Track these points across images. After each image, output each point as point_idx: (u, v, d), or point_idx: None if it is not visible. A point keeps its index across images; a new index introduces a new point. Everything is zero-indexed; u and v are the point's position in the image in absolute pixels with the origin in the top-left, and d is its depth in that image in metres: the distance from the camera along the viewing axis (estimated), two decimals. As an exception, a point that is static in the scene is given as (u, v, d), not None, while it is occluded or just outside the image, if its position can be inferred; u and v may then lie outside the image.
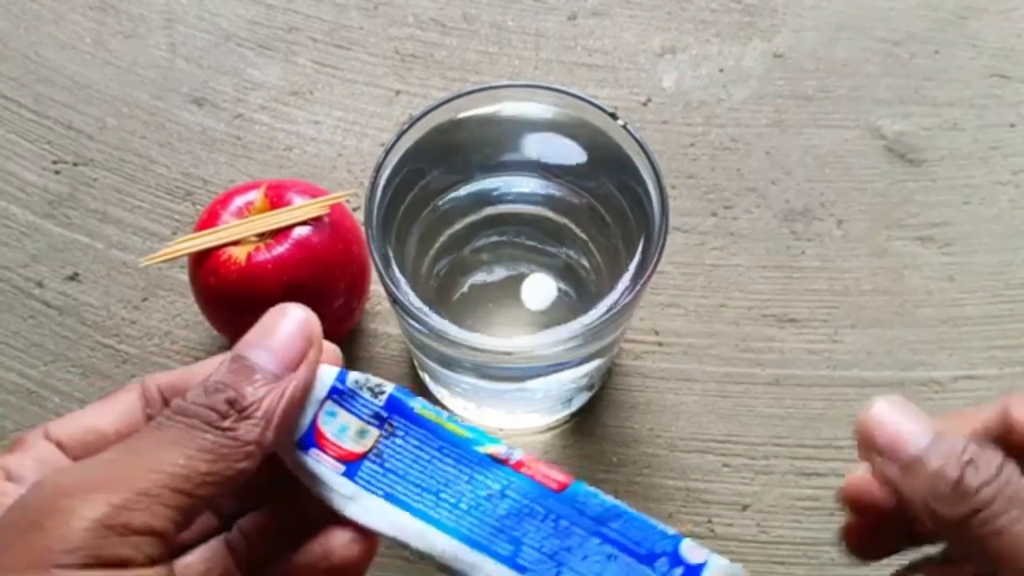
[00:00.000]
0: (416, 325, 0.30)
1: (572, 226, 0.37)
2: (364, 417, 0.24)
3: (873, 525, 0.26)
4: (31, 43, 0.50)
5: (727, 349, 0.42)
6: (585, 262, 0.37)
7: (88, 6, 0.51)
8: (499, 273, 0.38)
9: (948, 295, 0.43)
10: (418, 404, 0.25)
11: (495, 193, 0.36)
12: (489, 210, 0.37)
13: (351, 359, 0.42)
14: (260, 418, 0.22)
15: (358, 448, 0.24)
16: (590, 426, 0.41)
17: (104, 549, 0.19)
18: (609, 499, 0.24)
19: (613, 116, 0.32)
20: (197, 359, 0.42)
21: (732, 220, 0.45)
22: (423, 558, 0.24)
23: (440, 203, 0.36)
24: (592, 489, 0.24)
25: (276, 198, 0.37)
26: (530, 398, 0.38)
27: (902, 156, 0.46)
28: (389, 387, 0.25)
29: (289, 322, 0.24)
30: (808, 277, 0.44)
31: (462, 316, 0.36)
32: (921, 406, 0.42)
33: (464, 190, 0.36)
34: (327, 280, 0.37)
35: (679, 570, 0.23)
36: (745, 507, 0.40)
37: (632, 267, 0.32)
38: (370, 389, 0.25)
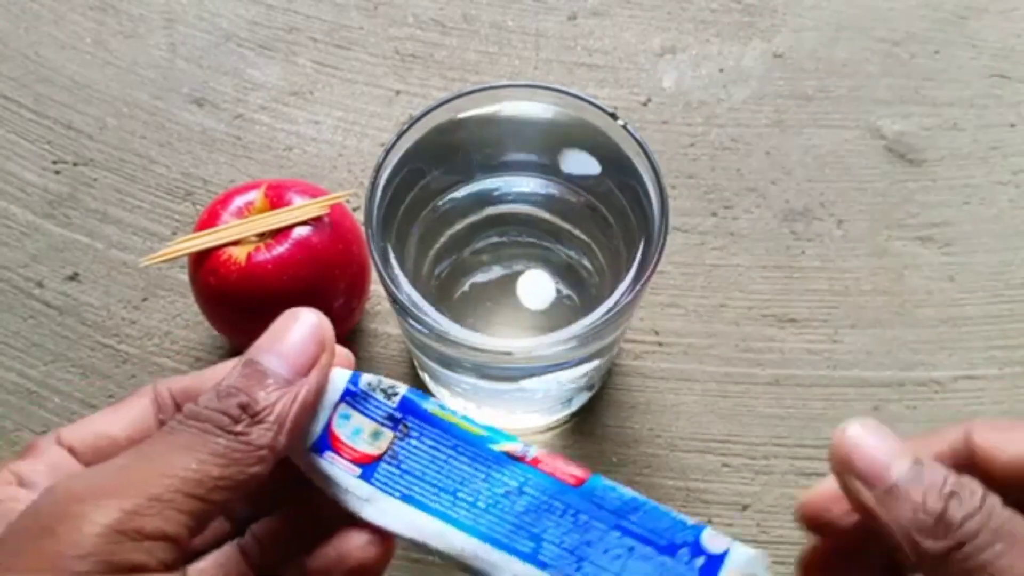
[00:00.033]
0: (416, 325, 0.30)
1: (572, 226, 0.37)
2: (378, 419, 0.24)
3: (841, 551, 0.25)
4: (31, 43, 0.50)
5: (727, 349, 0.42)
6: (585, 262, 0.37)
7: (88, 6, 0.51)
8: (499, 273, 0.38)
9: (948, 295, 0.43)
10: (432, 404, 0.25)
11: (495, 193, 0.36)
12: (489, 210, 0.37)
13: (351, 359, 0.42)
14: (272, 422, 0.22)
15: (373, 450, 0.24)
16: (590, 426, 0.41)
17: (117, 555, 0.19)
18: (628, 491, 0.24)
19: (613, 116, 0.32)
20: (197, 359, 0.42)
21: (732, 220, 0.45)
22: (443, 558, 0.24)
23: (440, 203, 0.36)
24: (610, 482, 0.24)
25: (276, 198, 0.37)
26: (530, 398, 0.38)
27: (902, 156, 0.46)
28: (402, 388, 0.25)
29: (301, 327, 0.24)
30: (808, 277, 0.44)
31: (462, 316, 0.36)
32: (921, 406, 0.42)
33: (464, 190, 0.36)
34: (327, 280, 0.37)
35: (701, 559, 0.23)
36: (745, 507, 0.40)
37: (632, 267, 0.32)
38: (383, 391, 0.25)
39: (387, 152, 0.32)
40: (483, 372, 0.34)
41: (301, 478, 0.24)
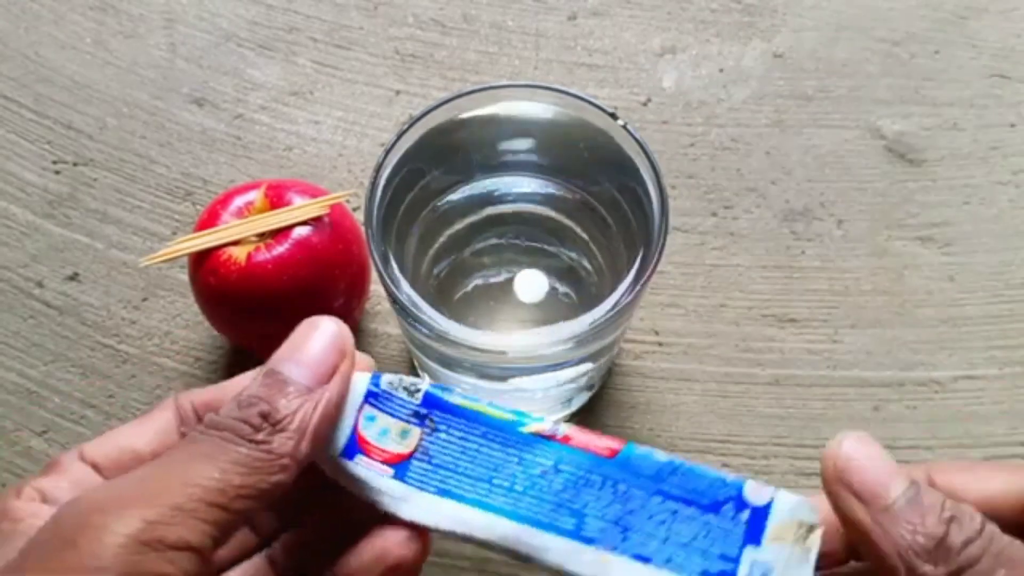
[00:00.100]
0: (416, 325, 0.30)
1: (572, 226, 0.37)
2: (403, 417, 0.24)
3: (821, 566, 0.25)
4: (31, 43, 0.50)
5: (727, 349, 0.42)
6: (585, 262, 0.37)
7: (88, 6, 0.51)
8: (499, 273, 0.38)
9: (948, 295, 0.43)
10: (456, 396, 0.24)
11: (495, 193, 0.36)
12: (489, 210, 0.37)
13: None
14: (294, 431, 0.22)
15: (403, 449, 0.24)
16: (590, 426, 0.41)
17: (139, 566, 0.19)
18: (663, 455, 0.24)
19: (613, 116, 0.32)
20: (197, 359, 0.42)
21: (732, 220, 0.45)
22: (487, 547, 0.23)
23: (440, 203, 0.36)
24: (644, 448, 0.24)
25: (276, 198, 0.37)
26: (530, 398, 0.38)
27: (902, 156, 0.46)
28: (424, 384, 0.25)
29: (321, 335, 0.24)
30: (808, 277, 0.44)
31: (462, 316, 0.36)
32: (921, 406, 0.42)
33: (464, 190, 0.36)
34: (327, 280, 0.37)
35: (746, 513, 0.23)
36: (745, 507, 0.40)
37: (632, 267, 0.32)
38: (405, 388, 0.25)
39: (387, 152, 0.32)
40: (483, 372, 0.34)
41: (326, 485, 0.24)
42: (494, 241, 0.37)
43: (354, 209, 0.43)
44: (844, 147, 0.47)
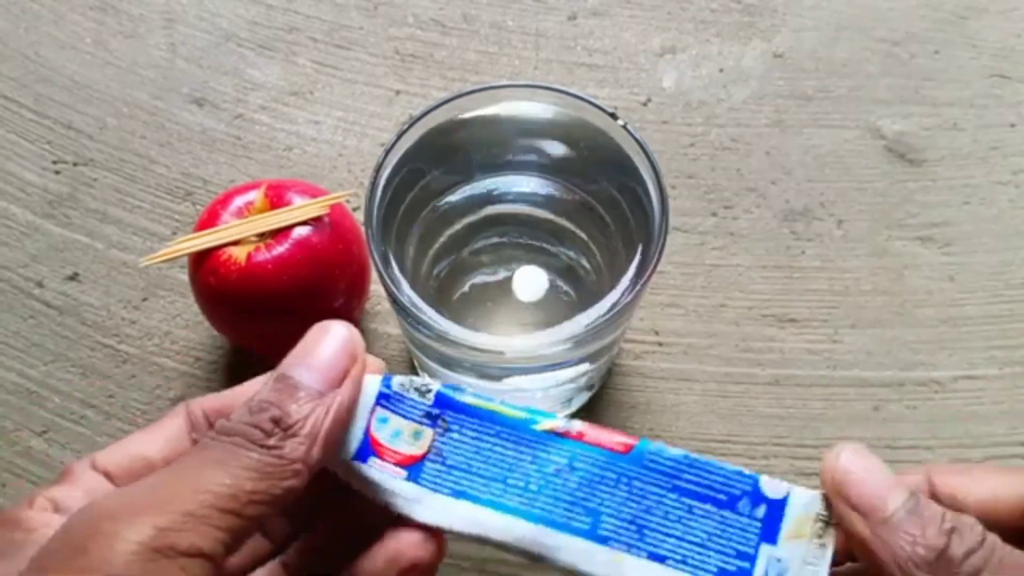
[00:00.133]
0: (416, 325, 0.30)
1: (572, 226, 0.37)
2: (416, 418, 0.24)
3: None
4: (31, 43, 0.50)
5: (727, 349, 0.42)
6: (585, 262, 0.37)
7: (88, 6, 0.51)
8: (499, 273, 0.38)
9: (948, 295, 0.43)
10: (468, 395, 0.24)
11: (495, 193, 0.36)
12: (489, 210, 0.37)
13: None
14: (306, 436, 0.22)
15: (416, 450, 0.24)
16: (590, 426, 0.41)
17: (151, 572, 0.19)
18: (677, 451, 0.23)
19: (613, 116, 0.32)
20: (197, 359, 0.42)
21: (732, 220, 0.45)
22: (504, 548, 0.23)
23: (440, 203, 0.36)
24: (658, 444, 0.23)
25: (276, 198, 0.37)
26: (530, 398, 0.38)
27: (902, 156, 0.46)
28: (435, 385, 0.25)
29: (332, 339, 0.24)
30: (808, 277, 0.44)
31: (462, 316, 0.36)
32: (921, 406, 0.42)
33: (464, 190, 0.36)
34: (327, 280, 0.37)
35: (762, 508, 0.23)
36: (745, 507, 0.40)
37: (632, 267, 0.32)
38: (416, 389, 0.24)
39: (387, 152, 0.32)
40: (483, 372, 0.34)
41: (338, 489, 0.24)
42: (494, 240, 0.37)
43: (354, 209, 0.43)
44: (844, 147, 0.47)
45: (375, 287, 0.42)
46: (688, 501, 0.23)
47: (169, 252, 0.37)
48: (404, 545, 0.23)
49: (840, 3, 0.50)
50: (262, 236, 0.37)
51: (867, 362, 0.42)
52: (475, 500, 0.24)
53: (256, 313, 0.37)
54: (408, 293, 0.32)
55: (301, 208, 0.37)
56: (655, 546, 0.23)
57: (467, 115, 0.34)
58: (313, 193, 0.38)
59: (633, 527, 0.23)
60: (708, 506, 0.23)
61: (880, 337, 0.42)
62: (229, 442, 0.22)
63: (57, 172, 0.46)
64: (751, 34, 0.50)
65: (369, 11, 0.50)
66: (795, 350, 0.42)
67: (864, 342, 0.42)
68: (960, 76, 0.48)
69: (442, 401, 0.24)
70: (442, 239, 0.36)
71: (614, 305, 0.31)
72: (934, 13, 0.50)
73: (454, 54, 0.49)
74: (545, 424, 0.24)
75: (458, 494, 0.24)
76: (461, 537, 0.23)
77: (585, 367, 0.35)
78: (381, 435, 0.24)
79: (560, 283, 0.37)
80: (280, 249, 0.36)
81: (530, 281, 0.37)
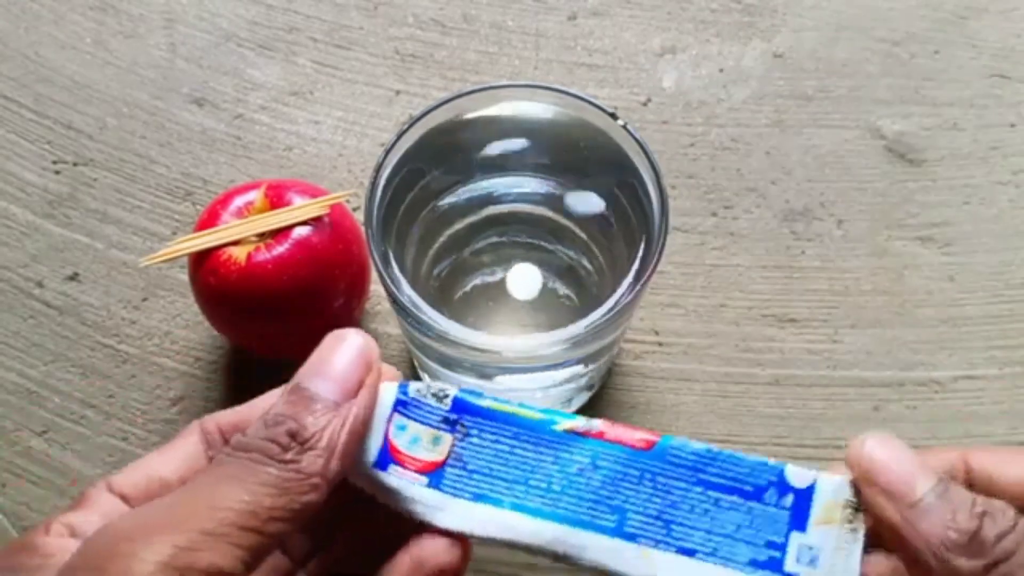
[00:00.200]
0: (416, 325, 0.30)
1: (571, 226, 0.37)
2: (434, 424, 0.24)
3: None
4: (31, 43, 0.50)
5: (727, 349, 0.42)
6: (585, 262, 0.37)
7: (88, 6, 0.51)
8: (499, 273, 0.38)
9: (948, 295, 0.43)
10: (485, 399, 0.24)
11: (495, 193, 0.36)
12: (489, 210, 0.37)
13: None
14: (323, 448, 0.22)
15: (436, 456, 0.24)
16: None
17: None
18: (700, 445, 0.23)
19: (613, 116, 0.32)
20: (197, 359, 0.42)
21: (732, 220, 0.45)
22: (530, 551, 0.23)
23: (440, 203, 0.36)
24: (680, 439, 0.23)
25: (276, 198, 0.37)
26: (529, 398, 0.38)
27: (902, 156, 0.46)
28: (452, 389, 0.24)
29: (347, 349, 0.24)
30: (808, 277, 0.44)
31: (463, 316, 0.36)
32: (921, 406, 0.42)
33: (464, 190, 0.36)
34: (327, 280, 0.37)
35: (789, 497, 0.23)
36: (745, 507, 0.40)
37: (632, 267, 0.32)
38: (434, 395, 0.24)
39: (387, 152, 0.32)
40: (483, 372, 0.34)
41: (358, 499, 0.24)
42: (494, 240, 0.37)
43: (354, 209, 0.43)
44: (844, 147, 0.47)
45: (375, 287, 0.42)
46: (714, 494, 0.23)
47: (169, 252, 0.37)
48: (428, 552, 0.23)
49: (840, 3, 0.50)
50: (262, 236, 0.37)
51: (867, 362, 0.42)
52: (498, 503, 0.23)
53: (256, 313, 0.37)
54: (408, 293, 0.32)
55: (301, 208, 0.37)
56: (683, 540, 0.23)
57: (467, 115, 0.34)
58: (313, 193, 0.38)
59: (660, 522, 0.23)
60: (735, 498, 0.23)
61: (880, 337, 0.42)
62: (246, 458, 0.21)
63: (57, 172, 0.46)
64: (751, 34, 0.50)
65: (369, 11, 0.50)
66: (795, 350, 0.42)
67: (864, 342, 0.42)
68: (960, 76, 0.48)
69: (460, 406, 0.24)
70: (442, 239, 0.36)
71: (614, 305, 0.31)
72: (934, 13, 0.50)
73: (454, 54, 0.49)
74: (565, 424, 0.24)
75: (480, 498, 0.23)
76: (485, 542, 0.23)
77: (585, 367, 0.35)
78: (400, 442, 0.24)
79: (560, 283, 0.37)
80: (280, 249, 0.36)
81: (525, 279, 0.37)
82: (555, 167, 0.36)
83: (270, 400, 0.24)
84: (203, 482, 0.21)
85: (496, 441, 0.24)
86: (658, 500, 0.23)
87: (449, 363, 0.34)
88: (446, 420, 0.24)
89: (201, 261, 0.37)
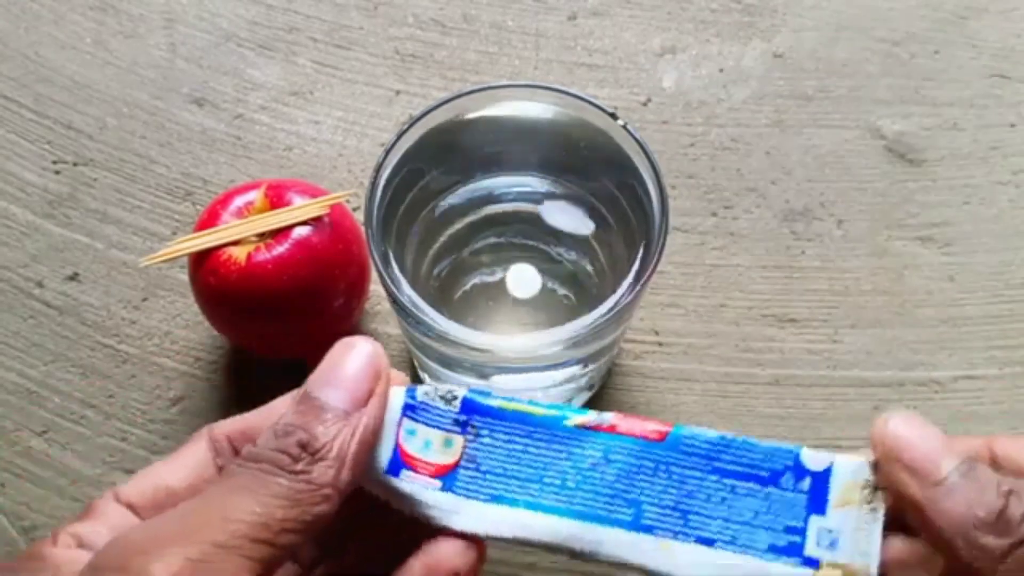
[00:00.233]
0: (416, 325, 0.30)
1: (572, 226, 0.37)
2: (444, 427, 0.24)
3: None
4: (31, 43, 0.50)
5: (727, 349, 0.42)
6: (585, 262, 0.37)
7: (88, 6, 0.51)
8: (499, 273, 0.38)
9: (948, 295, 0.43)
10: (494, 399, 0.24)
11: (495, 193, 0.36)
12: (489, 210, 0.37)
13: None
14: (334, 459, 0.22)
15: (448, 459, 0.24)
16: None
17: None
18: (713, 433, 0.23)
19: (613, 116, 0.32)
20: (197, 359, 0.42)
21: (732, 220, 0.45)
22: (548, 549, 0.23)
23: (440, 203, 0.36)
24: (693, 429, 0.23)
25: (276, 198, 0.37)
26: (531, 398, 0.38)
27: (902, 156, 0.46)
28: (461, 391, 0.24)
29: (356, 357, 0.24)
30: (808, 277, 0.44)
31: (462, 316, 0.36)
32: (921, 406, 0.42)
33: (464, 190, 0.36)
34: (327, 280, 0.37)
35: (806, 481, 0.23)
36: (745, 507, 0.40)
37: (632, 267, 0.32)
38: (442, 397, 0.24)
39: (387, 152, 0.32)
40: (483, 372, 0.34)
41: (373, 508, 0.24)
42: (494, 240, 0.37)
43: (354, 209, 0.43)
44: (844, 147, 0.47)
45: (375, 287, 0.42)
46: (730, 481, 0.23)
47: (169, 252, 0.37)
48: (442, 555, 0.23)
49: (840, 3, 0.50)
50: (262, 236, 0.37)
51: (867, 362, 0.42)
52: (513, 503, 0.23)
53: (256, 313, 0.37)
54: (408, 293, 0.32)
55: (301, 208, 0.37)
56: (701, 529, 0.23)
57: (467, 115, 0.34)
58: (313, 193, 0.38)
59: (677, 513, 0.23)
60: (751, 484, 0.23)
61: (880, 337, 0.42)
62: (256, 468, 0.21)
63: (57, 172, 0.46)
64: (751, 34, 0.50)
65: (369, 11, 0.50)
66: (795, 350, 0.42)
67: (864, 342, 0.42)
68: (960, 76, 0.48)
69: (469, 406, 0.24)
70: (442, 239, 0.36)
71: (614, 305, 0.31)
72: (934, 13, 0.50)
73: (454, 54, 0.49)
74: (576, 419, 0.24)
75: (495, 499, 0.23)
76: (501, 542, 0.23)
77: (585, 367, 0.35)
78: (411, 447, 0.24)
79: (560, 283, 0.37)
80: (280, 249, 0.36)
81: (524, 278, 0.37)
82: (555, 167, 0.36)
83: (278, 406, 0.24)
84: (215, 493, 0.21)
85: (508, 440, 0.24)
86: (674, 491, 0.23)
87: (449, 363, 0.34)
88: (456, 422, 0.24)
89: (201, 261, 0.37)
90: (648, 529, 0.23)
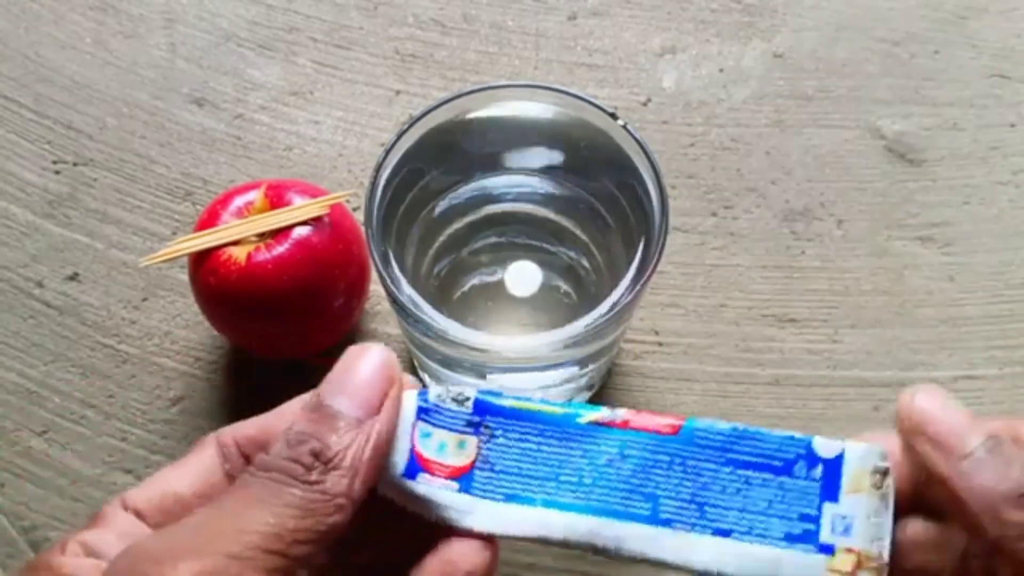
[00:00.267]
0: (416, 325, 0.30)
1: (572, 226, 0.37)
2: (458, 428, 0.24)
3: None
4: (31, 43, 0.50)
5: (727, 349, 0.42)
6: (585, 262, 0.37)
7: (88, 6, 0.51)
8: (499, 273, 0.38)
9: (948, 295, 0.43)
10: (506, 398, 0.24)
11: (495, 193, 0.36)
12: (489, 210, 0.37)
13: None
14: (347, 468, 0.21)
15: (464, 460, 0.24)
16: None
17: None
18: (725, 425, 0.23)
19: (613, 116, 0.32)
20: (197, 359, 0.42)
21: (732, 220, 0.45)
22: (565, 546, 0.23)
23: (440, 203, 0.36)
24: (705, 421, 0.23)
25: (276, 198, 0.37)
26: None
27: (902, 156, 0.46)
28: (472, 392, 0.24)
29: (368, 363, 0.23)
30: (808, 277, 0.44)
31: (462, 316, 0.36)
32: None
33: (464, 190, 0.36)
34: (327, 280, 0.37)
35: (819, 468, 0.23)
36: (745, 507, 0.40)
37: (632, 267, 0.32)
38: (454, 399, 0.24)
39: (387, 152, 0.32)
40: (482, 372, 0.34)
41: (387, 514, 0.24)
42: (494, 240, 0.37)
43: (354, 209, 0.43)
44: (844, 147, 0.47)
45: (375, 287, 0.42)
46: (744, 472, 0.23)
47: (169, 252, 0.37)
48: (456, 555, 0.23)
49: (840, 3, 0.50)
50: (262, 236, 0.37)
51: (867, 362, 0.42)
52: (530, 502, 0.23)
53: (256, 313, 0.37)
54: (408, 292, 0.32)
55: (301, 208, 0.37)
56: (718, 521, 0.23)
57: (467, 115, 0.34)
58: (313, 193, 0.38)
59: (693, 506, 0.23)
60: (765, 474, 0.23)
61: (880, 337, 0.42)
62: (269, 478, 0.21)
63: (57, 172, 0.46)
64: (751, 34, 0.50)
65: (369, 11, 0.50)
66: (795, 350, 0.42)
67: (864, 342, 0.42)
68: (960, 76, 0.48)
69: (481, 407, 0.24)
70: (442, 239, 0.36)
71: (614, 305, 0.31)
72: (934, 13, 0.50)
73: (454, 54, 0.49)
74: (589, 416, 0.24)
75: (512, 498, 0.23)
76: (520, 541, 0.23)
77: (585, 367, 0.35)
78: (426, 450, 0.24)
79: (560, 283, 0.37)
80: (280, 249, 0.36)
81: (523, 275, 0.37)
82: (555, 167, 0.36)
83: (286, 411, 0.24)
84: (228, 504, 0.21)
85: (522, 440, 0.24)
86: (689, 484, 0.23)
87: (449, 363, 0.34)
88: (470, 423, 0.24)
89: (201, 261, 0.37)
90: (666, 523, 0.23)
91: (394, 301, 0.31)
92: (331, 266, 0.37)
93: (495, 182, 0.36)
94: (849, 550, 0.22)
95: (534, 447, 0.24)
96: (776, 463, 0.23)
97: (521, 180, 0.36)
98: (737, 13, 0.50)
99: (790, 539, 0.23)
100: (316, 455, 0.21)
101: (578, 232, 0.36)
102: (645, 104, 0.48)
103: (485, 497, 0.23)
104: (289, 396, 0.25)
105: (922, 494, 0.23)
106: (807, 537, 0.23)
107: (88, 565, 0.21)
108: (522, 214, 0.37)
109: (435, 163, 0.35)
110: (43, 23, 0.50)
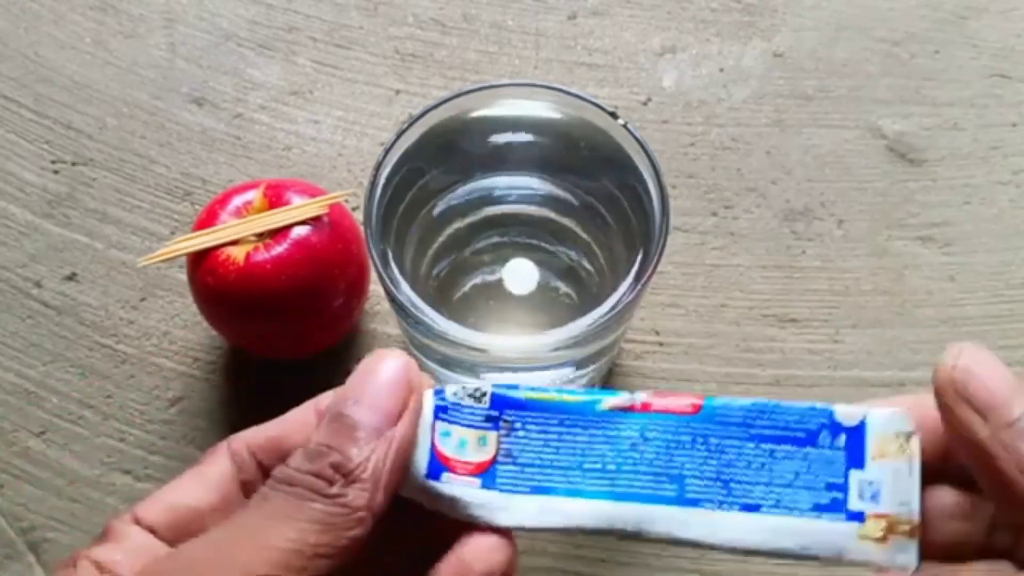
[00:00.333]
0: (416, 325, 0.30)
1: (572, 226, 0.37)
2: (477, 424, 0.24)
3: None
4: (31, 43, 0.50)
5: (727, 349, 0.42)
6: (585, 262, 0.37)
7: (88, 6, 0.50)
8: (499, 273, 0.37)
9: (948, 295, 0.43)
10: (523, 391, 0.24)
11: (495, 193, 0.36)
12: (489, 210, 0.37)
13: (350, 360, 0.42)
14: (368, 480, 0.21)
15: (485, 456, 0.24)
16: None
17: None
18: (745, 400, 0.23)
19: (613, 116, 0.32)
20: (196, 359, 0.42)
21: (732, 220, 0.45)
22: (595, 534, 0.23)
23: (439, 203, 0.36)
24: (725, 398, 0.23)
25: (275, 198, 0.37)
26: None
27: (902, 156, 0.46)
28: (488, 387, 0.24)
29: (387, 371, 0.23)
30: (808, 277, 0.44)
31: (462, 316, 0.36)
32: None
33: (464, 190, 0.36)
34: (326, 280, 0.37)
35: (842, 437, 0.23)
36: (745, 507, 0.40)
37: (633, 267, 0.32)
38: (471, 396, 0.24)
39: (387, 151, 0.32)
40: (483, 372, 0.34)
41: (405, 520, 0.23)
42: (494, 240, 0.37)
43: (353, 209, 0.43)
44: (844, 147, 0.46)
45: (375, 287, 0.42)
46: (768, 446, 0.23)
47: (167, 252, 0.37)
48: (475, 551, 0.22)
49: (840, 3, 0.50)
50: (261, 236, 0.36)
51: (867, 362, 0.42)
52: (555, 492, 0.23)
53: (255, 313, 0.37)
54: (408, 293, 0.31)
55: (300, 208, 0.37)
56: (745, 497, 0.23)
57: (467, 115, 0.34)
58: (312, 193, 0.38)
59: (719, 483, 0.23)
60: (788, 447, 0.23)
61: (880, 337, 0.42)
62: (291, 492, 0.21)
63: (56, 172, 0.46)
64: (751, 34, 0.49)
65: (369, 11, 0.50)
66: (796, 350, 0.42)
67: (864, 342, 0.42)
68: (960, 76, 0.48)
69: (499, 402, 0.24)
70: (442, 239, 0.36)
71: (615, 305, 0.31)
72: (934, 13, 0.50)
73: (454, 54, 0.49)
74: (608, 402, 0.24)
75: (537, 490, 0.23)
76: (549, 533, 0.23)
77: (586, 367, 0.35)
78: (447, 449, 0.24)
79: (560, 283, 0.37)
80: (279, 249, 0.36)
81: (520, 273, 0.37)
82: (555, 167, 0.36)
83: (300, 417, 0.23)
84: (250, 521, 0.21)
85: (542, 431, 0.24)
86: (714, 461, 0.23)
87: (449, 363, 0.34)
88: (488, 418, 0.24)
89: (199, 261, 0.37)
90: (694, 502, 0.23)
91: (393, 301, 0.31)
92: (330, 266, 0.37)
93: (495, 182, 0.36)
94: (879, 516, 0.22)
95: (555, 437, 0.24)
96: (799, 435, 0.23)
97: (521, 180, 0.36)
98: (737, 13, 0.50)
99: (819, 509, 0.22)
100: (337, 468, 0.21)
101: (579, 232, 0.36)
102: (645, 104, 0.48)
103: (510, 491, 0.23)
104: (288, 396, 0.25)
105: (948, 462, 0.23)
106: (836, 506, 0.22)
107: None
108: (522, 214, 0.37)
109: (435, 162, 0.34)
110: (43, 23, 0.50)
